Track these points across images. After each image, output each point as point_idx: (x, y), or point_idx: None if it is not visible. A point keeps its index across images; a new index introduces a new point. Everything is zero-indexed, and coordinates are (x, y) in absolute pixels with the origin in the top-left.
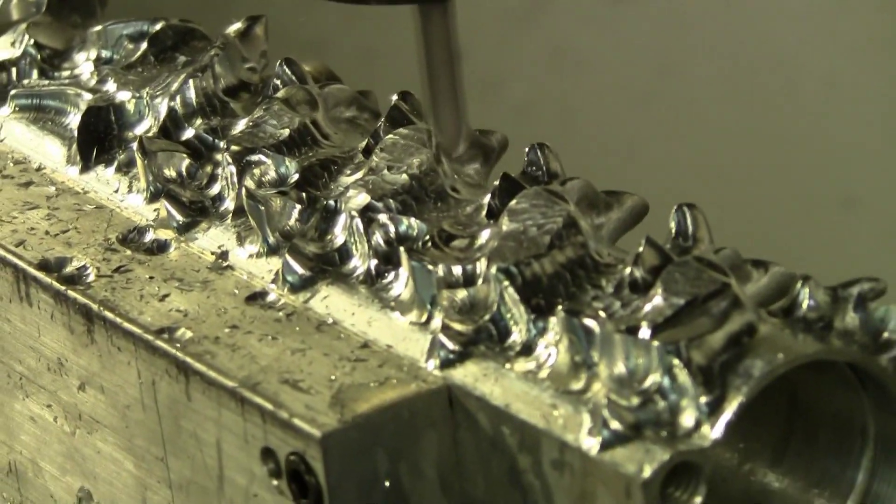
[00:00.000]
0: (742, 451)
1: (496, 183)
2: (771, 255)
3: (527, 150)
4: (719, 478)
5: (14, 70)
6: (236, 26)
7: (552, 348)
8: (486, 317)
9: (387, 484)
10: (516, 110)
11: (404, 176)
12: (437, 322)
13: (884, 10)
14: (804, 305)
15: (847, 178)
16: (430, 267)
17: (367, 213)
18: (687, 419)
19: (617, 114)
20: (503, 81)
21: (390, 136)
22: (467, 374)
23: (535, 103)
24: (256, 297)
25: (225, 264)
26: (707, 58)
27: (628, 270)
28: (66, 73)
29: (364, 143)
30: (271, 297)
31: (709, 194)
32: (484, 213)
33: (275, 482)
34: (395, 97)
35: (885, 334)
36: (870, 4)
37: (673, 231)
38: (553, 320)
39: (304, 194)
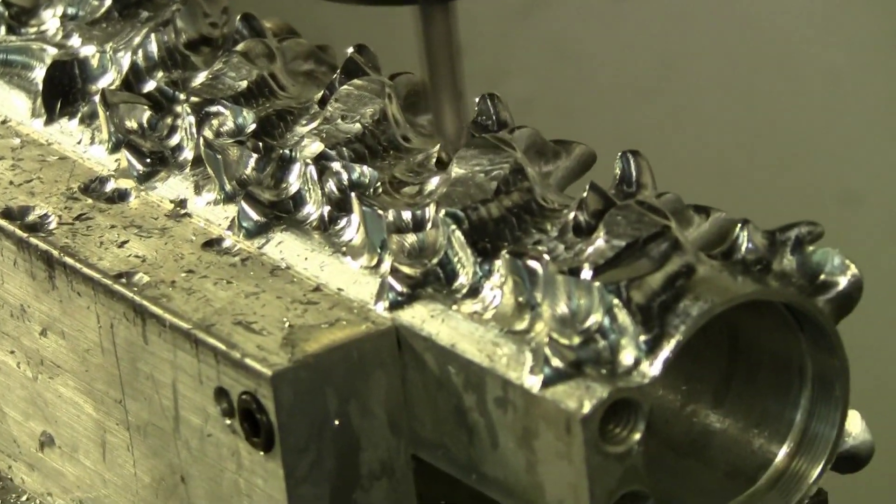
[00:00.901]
0: (685, 393)
1: None
2: None
3: (477, 100)
4: (663, 420)
5: None
6: None
7: (497, 290)
8: (434, 260)
9: (336, 422)
10: (517, 105)
11: (357, 125)
12: (386, 266)
13: (886, 6)
14: (743, 248)
15: (847, 173)
16: (381, 212)
17: (320, 162)
18: (626, 357)
19: (618, 109)
20: (504, 76)
21: (345, 86)
22: (415, 316)
23: (536, 98)
24: (213, 244)
25: (183, 212)
26: (709, 53)
27: (572, 215)
28: (32, 30)
29: (320, 95)
30: (227, 243)
31: (710, 189)
32: (434, 161)
33: (228, 421)
34: (350, 50)
35: (822, 276)
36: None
37: (617, 177)
38: (498, 263)
39: (260, 144)
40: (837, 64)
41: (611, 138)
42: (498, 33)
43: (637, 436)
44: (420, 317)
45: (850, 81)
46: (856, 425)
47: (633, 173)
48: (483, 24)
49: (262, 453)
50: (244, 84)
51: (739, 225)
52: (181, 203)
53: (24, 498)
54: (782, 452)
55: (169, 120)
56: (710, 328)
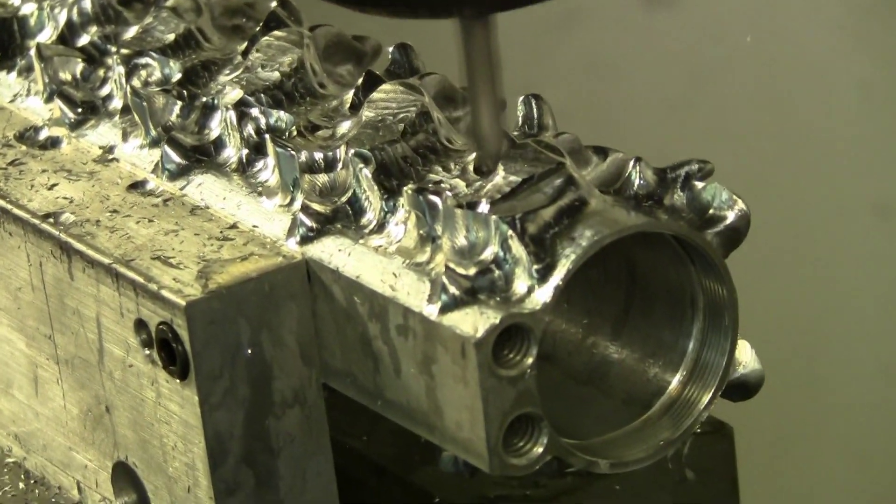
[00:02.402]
0: (586, 326)
1: (360, 80)
2: (803, 260)
3: (391, 49)
4: (565, 351)
5: None
6: None
7: (402, 225)
8: (344, 198)
9: (249, 352)
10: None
11: (276, 73)
12: (298, 204)
13: None
14: (635, 184)
15: (880, 185)
16: (294, 153)
17: (240, 107)
18: (520, 286)
19: (652, 121)
20: (539, 89)
21: (266, 38)
22: (324, 250)
23: (570, 110)
24: (137, 186)
25: (111, 157)
26: (741, 66)
27: (474, 155)
28: None
29: (243, 46)
30: (151, 185)
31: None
32: (348, 106)
33: (147, 352)
34: (273, 3)
35: (711, 211)
36: None
37: (519, 119)
38: (402, 200)
39: (185, 92)
40: (869, 76)
41: (644, 149)
42: (533, 46)
43: (529, 360)
44: (329, 251)
45: (882, 93)
46: (746, 355)
47: (535, 115)
48: (518, 37)
49: (178, 381)
50: (172, 37)
51: (632, 162)
52: (110, 149)
53: None
54: (675, 380)
55: (101, 72)
56: (608, 262)
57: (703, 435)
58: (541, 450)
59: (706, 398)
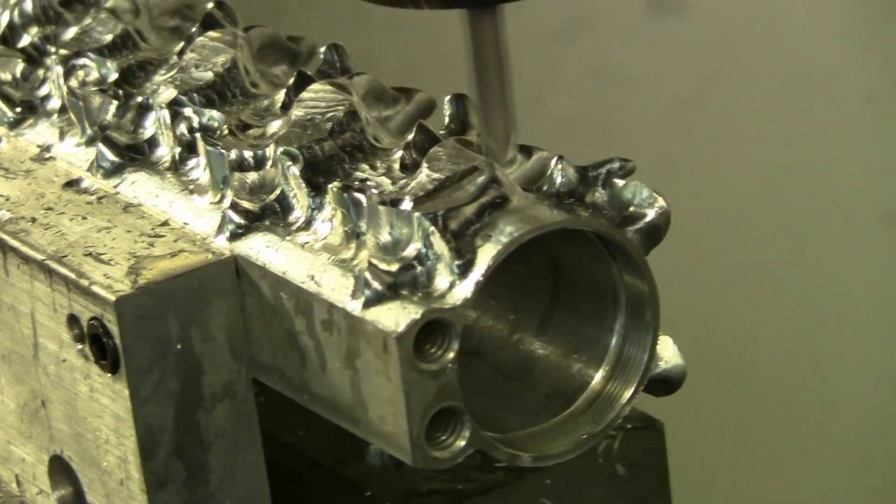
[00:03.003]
0: (512, 323)
1: (291, 80)
2: (811, 268)
3: (322, 49)
4: (491, 347)
5: None
6: None
7: (329, 222)
8: (273, 196)
9: (179, 346)
10: (559, 125)
11: (210, 73)
12: (228, 201)
13: None
14: (557, 182)
15: (889, 194)
16: (223, 151)
17: (173, 107)
18: (441, 282)
19: (659, 129)
20: (546, 96)
21: (200, 38)
22: (252, 246)
23: (577, 118)
24: (73, 184)
25: (48, 155)
26: (749, 74)
27: (400, 153)
28: None
29: (179, 47)
30: (86, 183)
31: (750, 208)
32: (279, 105)
33: (80, 346)
34: (210, 5)
35: (632, 208)
36: None
37: (447, 118)
38: (328, 197)
39: (121, 91)
40: (877, 83)
41: (651, 158)
42: (540, 54)
43: (451, 355)
44: (256, 247)
45: (890, 101)
46: (668, 350)
47: (461, 114)
48: (525, 44)
49: (109, 375)
50: (109, 38)
51: (554, 161)
52: (47, 148)
53: None
54: (598, 376)
55: (41, 72)
56: (533, 260)
57: (634, 430)
58: (463, 443)
59: (628, 393)
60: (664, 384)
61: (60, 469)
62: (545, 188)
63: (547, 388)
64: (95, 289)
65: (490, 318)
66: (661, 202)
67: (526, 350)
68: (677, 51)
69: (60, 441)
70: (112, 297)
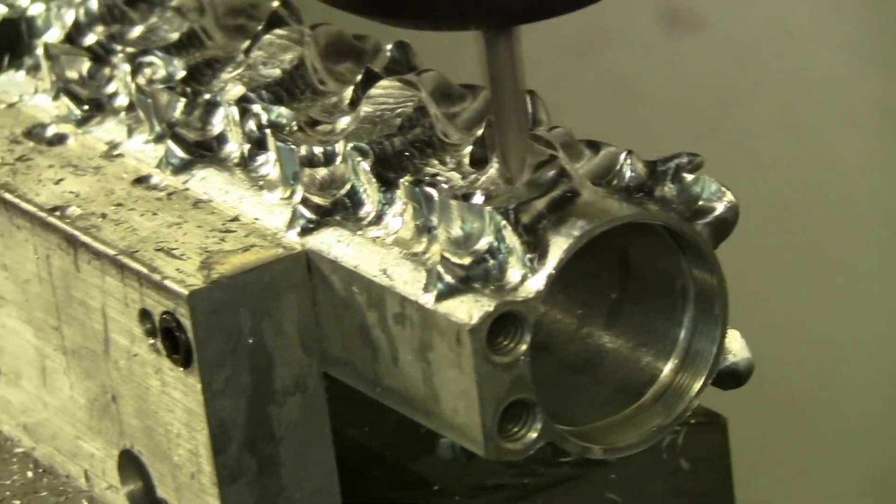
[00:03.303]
0: (580, 317)
1: (359, 77)
2: (827, 280)
3: (389, 47)
4: (560, 341)
5: None
6: None
7: (399, 217)
8: (343, 191)
9: (251, 340)
10: None
11: (277, 70)
12: (299, 196)
13: None
14: (626, 176)
15: None
16: (294, 147)
17: (242, 104)
18: (513, 275)
19: (674, 146)
20: (562, 113)
21: (268, 36)
22: (323, 241)
23: (592, 134)
24: (142, 180)
25: (116, 152)
26: (765, 91)
27: (469, 148)
28: None
29: (246, 45)
30: (155, 180)
31: (766, 224)
32: (347, 102)
33: (151, 341)
34: (276, 3)
35: (700, 202)
36: None
37: None
38: (399, 192)
39: (188, 89)
40: (891, 101)
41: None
42: (556, 71)
43: (523, 347)
44: (328, 242)
45: None
46: (735, 343)
47: (531, 111)
48: (541, 61)
49: (181, 369)
50: (176, 36)
51: (623, 155)
52: (115, 145)
53: None
54: (667, 368)
55: (107, 70)
56: (602, 254)
57: (698, 425)
58: (535, 435)
59: (697, 385)
60: (732, 377)
61: (130, 463)
62: (614, 182)
63: (616, 382)
64: (168, 283)
65: (558, 312)
66: (729, 196)
67: (594, 344)
68: (693, 67)
69: (131, 435)
70: (185, 292)
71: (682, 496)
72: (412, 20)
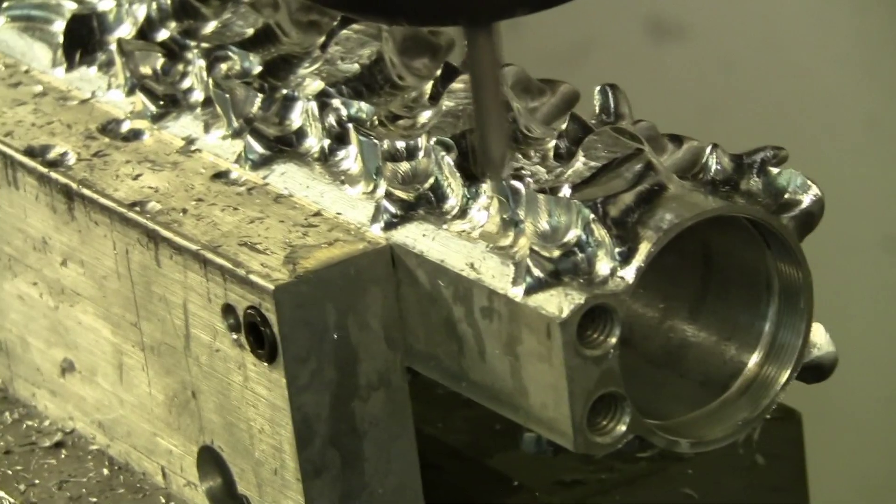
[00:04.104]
0: (662, 311)
1: (438, 72)
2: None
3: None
4: (641, 335)
5: None
6: None
7: (484, 211)
8: (426, 185)
9: (335, 335)
10: None
11: (356, 65)
12: (381, 191)
13: None
14: (712, 169)
15: (889, 219)
16: (376, 141)
17: (321, 98)
18: (602, 267)
19: None
20: None
21: (344, 31)
22: (408, 236)
23: None
24: (221, 175)
25: (193, 148)
26: (748, 100)
27: (553, 142)
28: None
29: (322, 40)
30: (234, 175)
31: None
32: (427, 97)
33: (234, 336)
34: None
35: (787, 196)
36: None
37: (597, 108)
38: (485, 186)
39: (265, 84)
40: (878, 109)
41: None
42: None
43: (613, 340)
44: (412, 236)
45: (891, 128)
46: (820, 337)
47: (612, 104)
48: (527, 69)
49: (266, 364)
50: (251, 31)
51: (709, 149)
52: (192, 140)
53: (46, 423)
54: (752, 361)
55: (181, 66)
56: (685, 249)
57: (773, 421)
58: (623, 428)
59: (783, 378)
60: (816, 371)
61: (210, 460)
62: (700, 176)
63: (700, 375)
64: (253, 278)
65: (640, 306)
66: (815, 189)
67: (677, 338)
68: (678, 75)
69: (211, 431)
70: (271, 286)
71: (757, 491)
72: (393, 17)
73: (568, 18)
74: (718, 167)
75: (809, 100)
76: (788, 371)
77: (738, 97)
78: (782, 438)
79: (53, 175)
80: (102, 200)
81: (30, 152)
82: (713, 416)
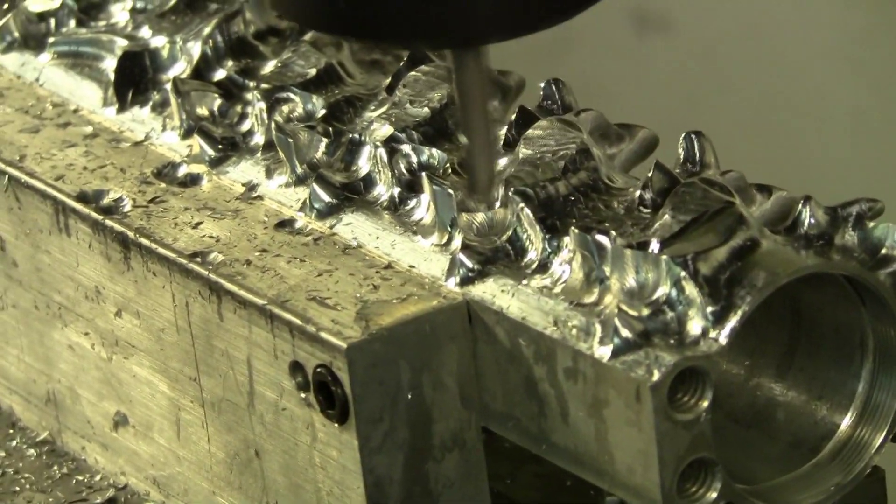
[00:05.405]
0: (748, 368)
1: (513, 116)
2: None
3: (542, 84)
4: (726, 393)
5: (52, 20)
6: None
7: (566, 265)
8: (504, 237)
9: (409, 395)
10: None
11: (426, 109)
12: (456, 243)
13: None
14: (805, 224)
15: None
16: (451, 191)
17: (390, 144)
18: (694, 327)
19: None
20: None
21: (412, 72)
22: (486, 291)
23: None
24: (285, 224)
25: (255, 195)
26: (734, 90)
27: (638, 193)
28: (101, 23)
29: (387, 81)
30: (299, 224)
31: None
32: (501, 143)
33: (303, 395)
34: None
35: (884, 251)
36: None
37: (681, 157)
38: (567, 239)
39: (330, 128)
40: (863, 101)
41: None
42: (526, 72)
43: (705, 404)
44: (491, 291)
45: (876, 120)
46: None
47: (697, 153)
48: (511, 64)
49: (336, 425)
50: (313, 72)
51: (802, 202)
52: (253, 186)
53: (97, 478)
54: (845, 423)
55: (239, 107)
56: (772, 304)
57: None
58: (714, 495)
59: (878, 441)
60: None
61: None
62: (793, 229)
63: (789, 436)
64: (324, 335)
65: (725, 362)
66: None
67: (765, 396)
68: (662, 69)
69: (275, 492)
70: (343, 344)
71: None
72: (383, 39)
73: None
74: (812, 221)
75: (794, 92)
76: (884, 433)
77: (722, 89)
78: (866, 495)
79: (108, 223)
80: (161, 250)
81: (82, 198)
82: (804, 480)
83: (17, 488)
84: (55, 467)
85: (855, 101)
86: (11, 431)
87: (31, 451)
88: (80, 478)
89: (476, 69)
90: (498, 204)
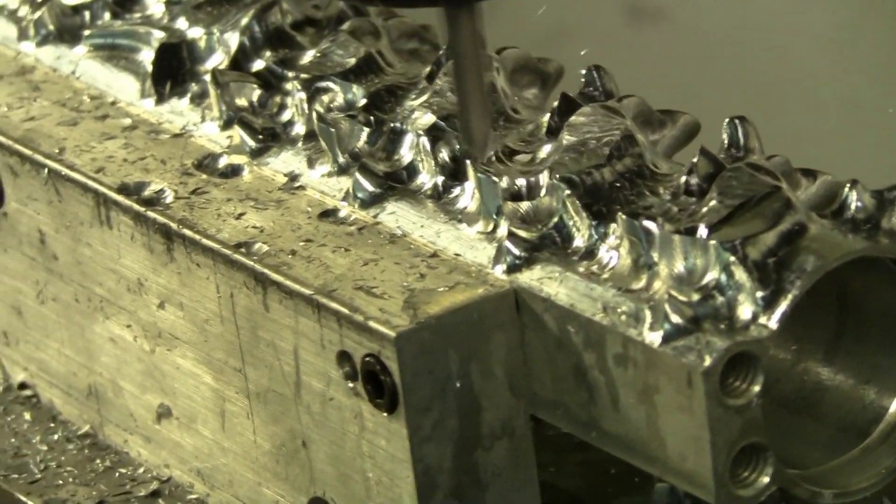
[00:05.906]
0: (795, 353)
1: (555, 104)
2: None
3: (583, 71)
4: (774, 378)
5: (87, 13)
6: None
7: (613, 251)
8: (550, 224)
9: (458, 384)
10: None
11: None
12: (502, 231)
13: None
14: (852, 207)
15: None
16: (496, 179)
17: (433, 132)
18: (744, 312)
19: None
20: None
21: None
22: (533, 278)
23: None
24: (329, 214)
25: (297, 185)
26: (727, 80)
27: (683, 179)
28: (137, 15)
29: (427, 70)
30: (343, 213)
31: None
32: (544, 130)
33: (351, 384)
34: None
35: None
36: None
37: (725, 142)
38: (614, 225)
39: (371, 117)
40: (858, 90)
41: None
42: None
43: (756, 388)
44: (538, 279)
45: (870, 108)
46: None
47: (742, 138)
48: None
49: (385, 414)
50: (352, 61)
51: (848, 185)
52: (295, 176)
53: (140, 470)
54: (893, 406)
55: (278, 98)
56: (819, 288)
57: None
58: (767, 480)
59: None
60: None
61: None
62: (840, 213)
63: (838, 421)
64: (372, 324)
65: (772, 347)
66: None
67: (812, 381)
68: (656, 59)
69: (323, 482)
70: (392, 333)
71: None
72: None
73: (546, 0)
74: (859, 205)
75: (788, 80)
76: None
77: (716, 80)
78: None
79: (151, 214)
80: (205, 241)
81: (124, 190)
82: (855, 464)
83: (60, 482)
84: (97, 461)
85: (849, 89)
86: (52, 425)
87: (72, 445)
88: (124, 470)
89: (469, 28)
90: (543, 192)
